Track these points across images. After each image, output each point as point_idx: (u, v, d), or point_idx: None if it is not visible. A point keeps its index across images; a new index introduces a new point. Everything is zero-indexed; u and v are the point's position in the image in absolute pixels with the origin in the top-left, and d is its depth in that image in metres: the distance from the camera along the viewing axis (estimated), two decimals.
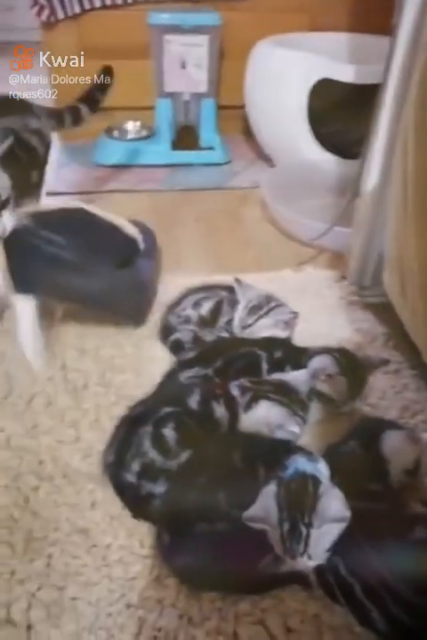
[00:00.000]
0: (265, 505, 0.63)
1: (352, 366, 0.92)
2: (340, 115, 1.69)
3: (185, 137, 1.97)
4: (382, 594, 0.60)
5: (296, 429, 0.83)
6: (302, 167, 1.67)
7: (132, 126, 2.02)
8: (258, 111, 1.84)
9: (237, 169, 1.94)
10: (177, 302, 1.09)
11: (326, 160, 1.68)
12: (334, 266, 1.35)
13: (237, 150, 2.06)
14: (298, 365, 0.91)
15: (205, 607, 0.66)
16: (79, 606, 0.66)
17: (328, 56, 1.61)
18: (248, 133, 2.04)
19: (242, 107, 1.91)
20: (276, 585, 0.67)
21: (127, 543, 0.73)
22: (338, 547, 0.61)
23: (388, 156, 1.07)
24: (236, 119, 2.11)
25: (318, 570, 0.63)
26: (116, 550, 0.72)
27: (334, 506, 0.61)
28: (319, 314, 1.17)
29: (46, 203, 0.97)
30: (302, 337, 1.03)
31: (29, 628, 0.64)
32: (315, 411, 0.89)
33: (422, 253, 0.89)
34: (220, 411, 0.82)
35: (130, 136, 2.00)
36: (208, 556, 0.67)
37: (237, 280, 1.06)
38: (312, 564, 0.61)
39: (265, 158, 1.95)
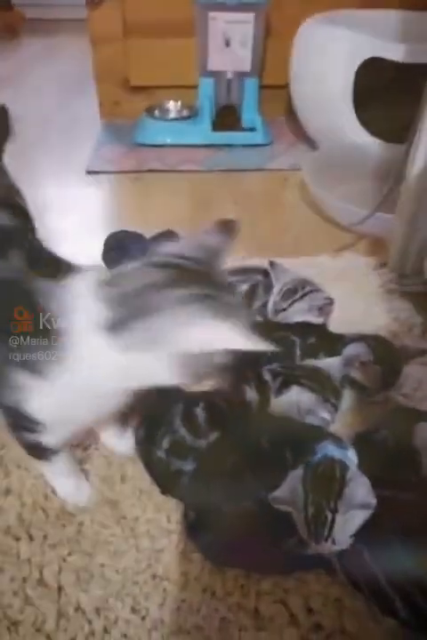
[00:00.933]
0: (292, 487, 0.63)
1: (387, 355, 0.91)
2: (386, 96, 1.63)
3: (226, 117, 1.95)
4: (406, 584, 0.59)
5: (327, 416, 0.82)
6: (345, 150, 1.62)
7: (173, 106, 2.01)
8: (303, 91, 1.80)
9: (279, 151, 1.91)
10: None
11: (371, 143, 1.63)
12: (373, 253, 1.32)
13: (279, 131, 2.02)
14: (332, 352, 0.90)
15: (229, 583, 0.67)
16: (107, 573, 0.69)
17: (378, 34, 1.55)
18: (290, 114, 2.00)
19: (284, 86, 1.87)
20: (299, 567, 0.68)
21: (155, 517, 0.75)
22: (364, 534, 0.61)
23: None
24: (278, 99, 2.06)
25: (342, 555, 0.63)
26: (144, 523, 0.74)
27: (360, 492, 0.61)
28: (356, 301, 1.15)
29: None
30: (338, 324, 1.01)
31: (60, 589, 0.68)
32: (347, 398, 0.88)
33: None
34: (251, 393, 0.82)
35: (171, 115, 2.00)
36: (233, 535, 0.68)
37: (271, 263, 1.05)
38: (336, 548, 0.61)
39: (307, 140, 1.91)
